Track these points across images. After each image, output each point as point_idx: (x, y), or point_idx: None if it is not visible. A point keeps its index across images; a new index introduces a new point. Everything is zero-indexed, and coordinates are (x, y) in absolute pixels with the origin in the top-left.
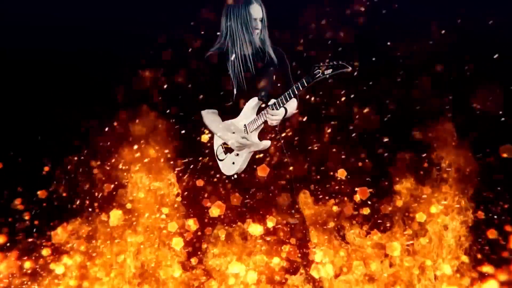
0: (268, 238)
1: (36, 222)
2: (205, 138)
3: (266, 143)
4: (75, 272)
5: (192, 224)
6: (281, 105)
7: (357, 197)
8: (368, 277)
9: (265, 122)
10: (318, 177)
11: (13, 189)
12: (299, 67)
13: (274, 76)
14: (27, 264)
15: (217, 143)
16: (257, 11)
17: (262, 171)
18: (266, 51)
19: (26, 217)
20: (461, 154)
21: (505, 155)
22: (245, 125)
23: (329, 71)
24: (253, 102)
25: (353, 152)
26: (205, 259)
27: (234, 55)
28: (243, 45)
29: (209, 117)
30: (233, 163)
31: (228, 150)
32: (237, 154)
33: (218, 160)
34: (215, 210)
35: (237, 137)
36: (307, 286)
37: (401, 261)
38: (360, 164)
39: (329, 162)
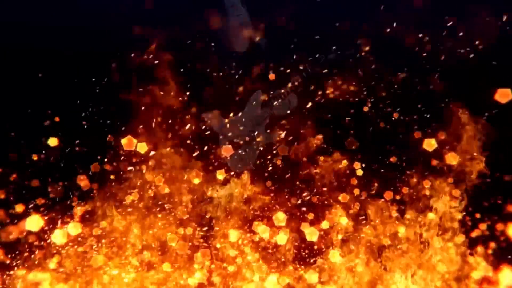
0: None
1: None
2: None
3: (274, 136)
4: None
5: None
6: (285, 97)
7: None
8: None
9: (271, 115)
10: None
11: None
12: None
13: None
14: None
15: (222, 141)
16: None
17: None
18: (256, 43)
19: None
20: None
21: None
22: (250, 119)
23: (332, 55)
24: (257, 95)
25: None
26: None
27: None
28: (231, 37)
29: (211, 118)
30: (241, 159)
31: (234, 147)
32: (244, 151)
33: (225, 158)
34: (225, 151)
35: (244, 132)
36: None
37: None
38: None
39: None
